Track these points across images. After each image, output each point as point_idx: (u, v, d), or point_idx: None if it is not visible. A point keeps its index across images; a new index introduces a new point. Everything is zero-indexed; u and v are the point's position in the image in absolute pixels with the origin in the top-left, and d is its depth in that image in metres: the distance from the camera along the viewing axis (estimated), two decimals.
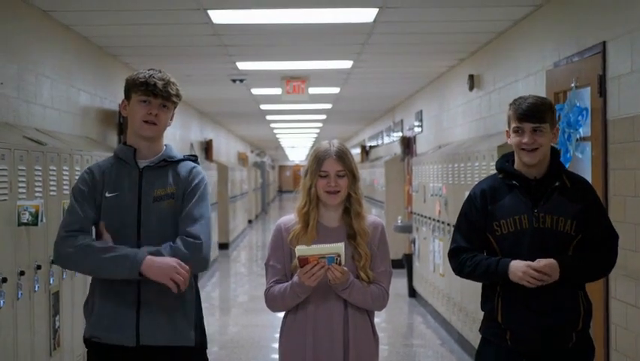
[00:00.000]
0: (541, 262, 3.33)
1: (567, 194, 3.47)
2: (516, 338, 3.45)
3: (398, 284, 11.87)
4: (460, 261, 3.54)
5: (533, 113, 3.43)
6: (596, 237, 3.47)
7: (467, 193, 3.69)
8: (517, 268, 3.35)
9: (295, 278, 3.34)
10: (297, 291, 3.34)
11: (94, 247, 3.23)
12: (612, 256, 3.55)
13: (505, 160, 3.59)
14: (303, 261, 3.27)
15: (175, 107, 3.44)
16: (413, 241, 10.79)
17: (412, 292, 10.99)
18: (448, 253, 3.63)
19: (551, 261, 3.34)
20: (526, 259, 3.38)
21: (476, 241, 3.53)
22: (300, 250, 3.27)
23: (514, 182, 3.50)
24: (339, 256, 3.26)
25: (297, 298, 3.37)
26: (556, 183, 3.48)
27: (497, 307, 3.47)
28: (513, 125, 3.48)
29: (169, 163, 3.39)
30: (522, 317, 3.42)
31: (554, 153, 3.55)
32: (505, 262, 3.40)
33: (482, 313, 3.62)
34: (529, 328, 3.42)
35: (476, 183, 3.75)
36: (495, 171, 3.64)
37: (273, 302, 3.44)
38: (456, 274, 3.66)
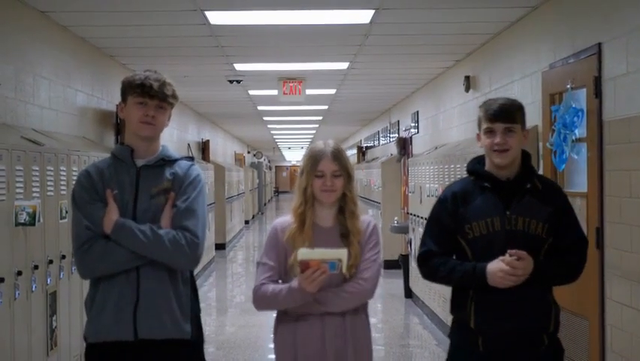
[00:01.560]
0: (507, 260, 3.27)
1: (538, 196, 3.43)
2: (488, 343, 3.38)
3: (394, 285, 11.89)
4: (432, 266, 3.47)
5: (504, 114, 3.40)
6: (567, 241, 3.44)
7: None
8: (495, 273, 3.29)
9: (294, 284, 3.29)
10: (296, 297, 3.30)
11: (111, 246, 3.26)
12: (582, 262, 3.50)
13: (477, 162, 3.57)
14: (304, 265, 3.22)
15: (172, 108, 3.46)
16: (409, 242, 10.81)
17: (409, 293, 11.00)
18: (418, 257, 3.56)
19: (524, 252, 3.28)
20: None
21: (446, 245, 3.47)
22: (303, 253, 3.23)
23: (485, 184, 3.46)
24: (340, 261, 3.22)
25: (294, 304, 3.34)
26: (528, 185, 3.44)
27: (470, 312, 3.40)
28: (484, 126, 3.44)
29: (166, 162, 3.42)
30: (495, 322, 3.36)
31: (525, 155, 3.51)
32: (482, 267, 3.33)
33: None
34: (503, 332, 3.36)
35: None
36: (466, 175, 3.62)
37: (262, 301, 3.40)
38: (425, 278, 3.59)
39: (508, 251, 3.28)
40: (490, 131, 3.42)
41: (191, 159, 3.52)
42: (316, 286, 3.24)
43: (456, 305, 3.50)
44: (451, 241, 3.47)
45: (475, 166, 3.56)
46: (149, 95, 3.33)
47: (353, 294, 3.37)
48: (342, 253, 3.23)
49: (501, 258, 3.30)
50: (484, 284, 3.33)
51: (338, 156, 3.42)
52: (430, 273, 3.51)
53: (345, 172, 3.42)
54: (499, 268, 3.29)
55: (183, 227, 3.29)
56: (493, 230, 3.39)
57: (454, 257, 3.49)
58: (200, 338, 3.46)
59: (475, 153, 6.95)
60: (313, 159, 3.43)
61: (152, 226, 3.27)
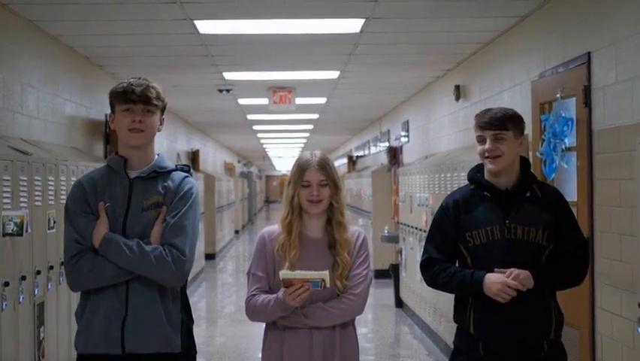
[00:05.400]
0: (514, 274, 3.35)
1: (538, 204, 3.51)
2: (488, 349, 3.45)
3: (385, 294, 11.87)
4: (433, 272, 3.54)
5: (493, 121, 3.49)
6: (568, 246, 3.51)
7: None
8: (493, 284, 3.36)
9: (280, 295, 3.33)
10: (282, 307, 3.33)
11: (99, 260, 3.24)
12: (584, 265, 3.60)
13: (477, 171, 3.63)
14: (287, 283, 3.27)
15: (162, 112, 3.42)
16: (400, 251, 10.79)
17: (399, 303, 10.98)
18: (420, 264, 3.63)
19: (526, 273, 3.36)
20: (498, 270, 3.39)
21: (448, 252, 3.55)
22: (284, 274, 3.28)
23: (485, 193, 3.53)
24: (323, 281, 3.26)
25: (281, 313, 3.36)
26: (527, 194, 3.52)
27: (469, 318, 3.48)
28: (476, 134, 3.55)
29: (160, 174, 3.38)
30: (494, 328, 3.43)
31: (525, 163, 3.59)
32: (479, 276, 3.41)
33: None
34: (502, 339, 3.43)
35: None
36: (466, 183, 3.68)
37: (253, 313, 3.43)
38: (428, 285, 3.66)
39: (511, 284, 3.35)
40: (481, 139, 3.51)
41: (188, 168, 3.49)
42: (300, 302, 3.30)
43: (457, 312, 3.58)
44: (452, 247, 3.55)
45: (476, 175, 3.62)
46: (133, 101, 3.30)
47: (343, 310, 3.40)
48: (323, 275, 3.27)
49: (504, 281, 3.35)
50: (479, 292, 3.41)
51: (324, 165, 3.46)
52: (432, 279, 3.59)
53: (331, 182, 3.46)
54: (499, 280, 3.36)
55: (171, 244, 3.26)
56: (493, 239, 3.46)
57: (457, 264, 3.57)
58: (192, 351, 3.43)
59: (465, 161, 6.99)
60: (300, 169, 3.47)
61: (140, 242, 3.25)
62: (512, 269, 3.36)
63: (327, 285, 3.27)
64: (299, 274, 3.28)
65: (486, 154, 3.48)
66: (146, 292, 3.27)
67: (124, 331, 3.25)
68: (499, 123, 3.47)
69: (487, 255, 3.44)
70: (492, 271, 3.40)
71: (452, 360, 3.64)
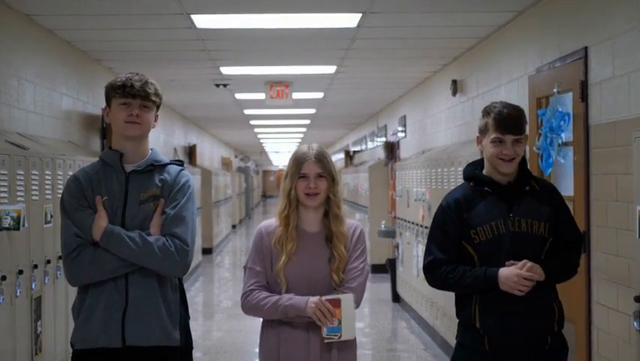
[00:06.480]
0: (528, 266, 3.37)
1: (537, 198, 3.54)
2: (494, 344, 3.46)
3: (382, 289, 11.88)
4: (441, 274, 3.52)
5: (515, 126, 3.49)
6: (565, 238, 3.55)
7: None
8: (508, 278, 3.37)
9: (294, 302, 3.32)
10: (290, 313, 3.33)
11: (100, 253, 3.25)
12: (579, 256, 3.65)
13: (474, 168, 3.64)
14: (335, 304, 3.29)
15: (157, 108, 3.44)
16: (397, 246, 10.81)
17: (396, 297, 11.00)
18: (424, 266, 3.60)
19: (537, 265, 3.39)
20: (505, 263, 3.41)
21: (452, 252, 3.53)
22: (347, 301, 3.29)
23: (486, 189, 3.54)
24: (340, 335, 3.30)
25: (283, 317, 3.37)
26: (527, 188, 3.55)
27: (475, 313, 3.47)
28: (493, 135, 3.51)
29: (156, 167, 3.40)
30: (500, 323, 3.44)
31: (521, 159, 3.59)
32: (493, 271, 3.41)
33: None
34: (508, 333, 3.44)
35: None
36: (463, 181, 3.67)
37: (250, 308, 3.43)
38: (434, 287, 3.63)
39: (526, 275, 3.37)
40: (499, 141, 3.49)
41: (181, 163, 3.51)
42: (313, 312, 3.29)
43: (461, 308, 3.58)
44: (456, 247, 3.53)
45: (475, 172, 3.62)
46: (132, 95, 3.32)
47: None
48: (350, 334, 3.33)
49: (519, 273, 3.36)
50: (494, 288, 3.41)
51: (321, 158, 3.47)
52: (439, 281, 3.56)
53: (328, 174, 3.46)
54: (513, 273, 3.37)
55: (172, 234, 3.28)
56: (498, 233, 3.47)
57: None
58: (189, 345, 3.45)
59: (462, 156, 6.99)
60: (297, 161, 3.48)
61: (142, 233, 3.26)
62: (525, 261, 3.38)
63: (336, 338, 3.31)
64: (347, 312, 3.30)
65: (502, 157, 3.48)
66: (146, 285, 3.29)
67: (124, 324, 3.27)
68: (520, 127, 3.49)
69: (494, 249, 3.45)
70: (501, 266, 3.41)
71: (456, 354, 3.64)
